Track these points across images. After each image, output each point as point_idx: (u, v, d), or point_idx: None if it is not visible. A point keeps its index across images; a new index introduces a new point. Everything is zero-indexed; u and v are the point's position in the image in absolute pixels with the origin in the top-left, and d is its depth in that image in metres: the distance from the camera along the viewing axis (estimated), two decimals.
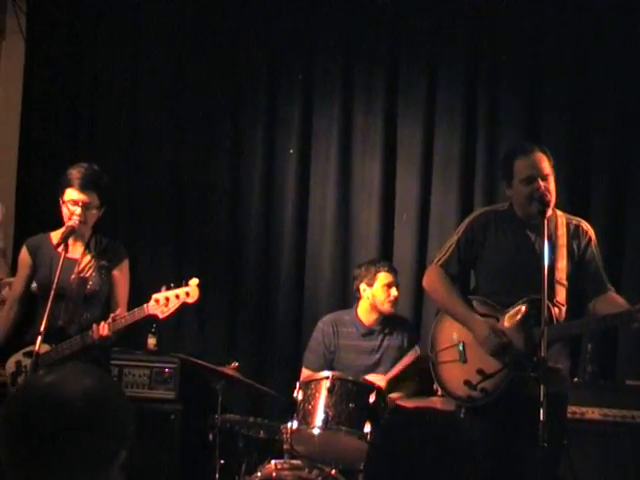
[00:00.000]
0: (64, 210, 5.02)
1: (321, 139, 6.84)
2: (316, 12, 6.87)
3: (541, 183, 4.60)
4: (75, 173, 4.99)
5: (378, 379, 5.69)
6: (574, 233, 4.75)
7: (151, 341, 6.46)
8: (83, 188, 4.96)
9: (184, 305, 4.94)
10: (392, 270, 6.09)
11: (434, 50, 6.73)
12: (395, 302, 6.05)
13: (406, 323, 6.23)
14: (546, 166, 4.65)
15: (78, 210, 4.97)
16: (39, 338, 4.64)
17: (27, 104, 7.01)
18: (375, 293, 6.06)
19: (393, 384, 5.87)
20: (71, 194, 4.97)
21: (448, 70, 6.70)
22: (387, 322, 6.08)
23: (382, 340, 6.03)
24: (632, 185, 6.46)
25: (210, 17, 6.94)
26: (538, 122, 6.59)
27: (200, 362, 5.51)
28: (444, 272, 4.87)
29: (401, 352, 6.00)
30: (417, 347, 5.92)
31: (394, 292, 6.04)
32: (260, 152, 6.87)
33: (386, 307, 6.04)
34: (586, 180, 6.49)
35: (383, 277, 6.04)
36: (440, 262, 4.89)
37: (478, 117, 6.66)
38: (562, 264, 4.64)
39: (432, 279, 4.97)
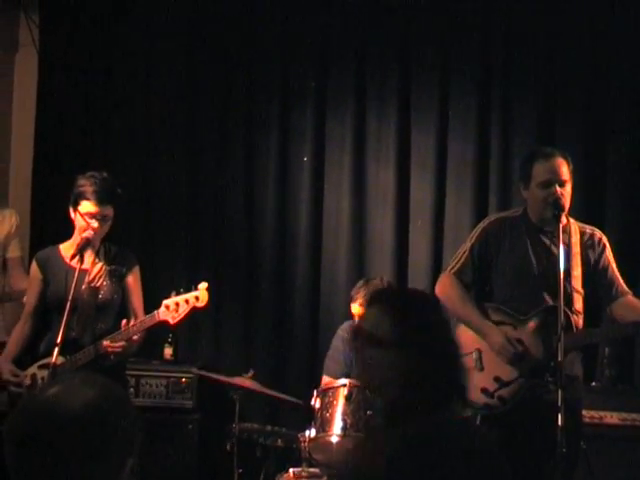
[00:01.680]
0: (79, 222, 5.00)
1: (334, 146, 6.84)
2: (329, 19, 6.87)
3: (558, 188, 4.58)
4: (90, 185, 4.94)
5: None
6: (588, 242, 4.72)
7: (168, 351, 6.47)
8: (101, 202, 4.93)
9: (194, 310, 4.94)
10: (355, 300, 5.91)
11: (447, 55, 6.72)
12: None
13: None
14: (565, 172, 4.62)
15: (95, 223, 4.95)
16: (56, 350, 4.64)
17: (41, 116, 7.03)
18: None
19: None
20: (89, 207, 4.93)
21: (461, 75, 6.68)
22: None
23: None
24: None
25: (223, 25, 6.94)
26: (552, 127, 6.57)
27: (215, 377, 5.53)
28: (457, 280, 4.83)
29: None
30: None
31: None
32: (274, 160, 6.87)
33: None
34: (601, 184, 6.47)
35: (352, 308, 5.98)
36: (453, 270, 4.85)
37: (492, 122, 6.65)
38: (577, 272, 4.62)
39: (445, 287, 4.92)
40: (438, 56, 6.73)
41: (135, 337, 4.95)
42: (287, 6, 6.90)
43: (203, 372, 5.91)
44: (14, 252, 6.11)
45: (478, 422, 4.72)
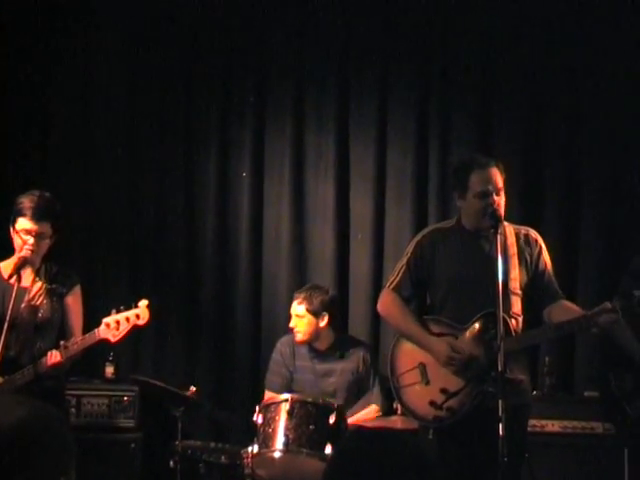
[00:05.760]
0: (16, 239, 4.97)
1: (274, 160, 6.84)
2: (267, 33, 6.87)
3: (495, 198, 4.63)
4: (27, 202, 4.93)
5: None
6: (525, 242, 4.79)
7: (109, 369, 6.41)
8: (36, 218, 4.91)
9: (135, 327, 4.93)
10: (295, 298, 5.98)
11: (385, 68, 6.75)
12: (298, 333, 5.95)
13: (361, 344, 6.14)
14: (499, 180, 4.69)
15: (31, 240, 4.92)
16: None
17: None
18: None
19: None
20: (24, 224, 4.92)
21: (399, 88, 6.72)
22: (340, 345, 6.01)
23: (336, 363, 5.97)
24: (583, 198, 6.52)
25: (162, 39, 6.91)
26: (489, 137, 6.63)
27: (159, 384, 5.49)
28: (397, 295, 4.86)
29: (357, 375, 5.95)
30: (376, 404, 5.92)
31: (292, 323, 6.00)
32: (213, 175, 6.84)
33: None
34: (538, 194, 6.55)
35: (292, 307, 6.03)
36: (392, 285, 4.89)
37: (430, 134, 6.69)
38: (515, 273, 4.68)
39: (386, 303, 4.96)
40: (376, 69, 6.76)
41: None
42: (226, 21, 6.89)
43: (145, 378, 5.83)
44: None
45: (430, 436, 4.75)
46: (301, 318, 5.90)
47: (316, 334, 5.94)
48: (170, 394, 5.44)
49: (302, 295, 5.95)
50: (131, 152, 6.96)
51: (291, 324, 5.97)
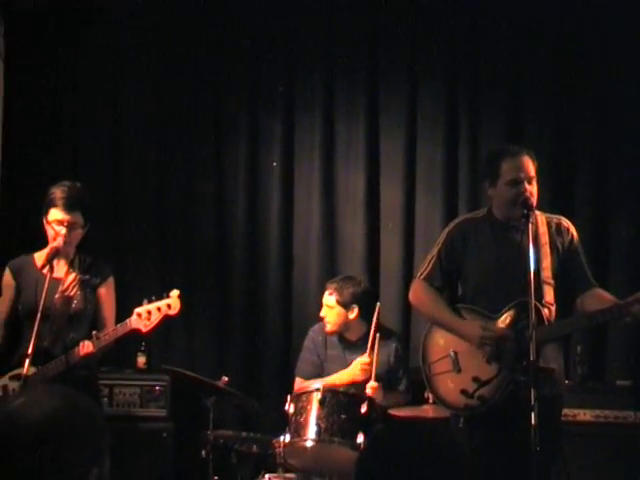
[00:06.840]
0: (49, 230, 5.01)
1: (304, 151, 6.84)
2: (296, 25, 6.88)
3: (527, 186, 4.60)
4: (59, 193, 4.98)
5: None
6: (556, 231, 4.75)
7: (141, 359, 6.44)
8: (68, 208, 4.96)
9: (167, 317, 4.97)
10: (327, 289, 5.99)
11: (414, 58, 6.75)
12: (328, 324, 5.97)
13: (392, 336, 6.12)
14: (531, 168, 4.66)
15: (63, 230, 4.96)
16: (27, 361, 4.62)
17: (8, 125, 6.95)
18: None
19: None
20: (56, 214, 4.96)
21: (429, 79, 6.73)
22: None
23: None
24: (614, 188, 6.50)
25: (190, 31, 6.91)
26: (519, 128, 6.62)
27: (190, 374, 5.52)
28: (428, 284, 4.85)
29: (387, 366, 5.93)
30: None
31: (322, 312, 6.02)
32: (243, 165, 6.86)
33: None
34: (569, 185, 6.54)
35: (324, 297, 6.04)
36: (423, 275, 4.88)
37: (460, 124, 6.69)
38: (547, 262, 4.64)
39: (417, 292, 4.95)
40: (405, 59, 6.76)
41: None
42: (254, 11, 6.89)
43: (178, 369, 5.84)
44: None
45: (461, 424, 4.74)
46: (331, 309, 5.91)
47: (345, 325, 5.94)
48: (202, 384, 5.46)
49: (333, 286, 5.96)
50: (161, 143, 6.98)
51: (322, 313, 5.98)
